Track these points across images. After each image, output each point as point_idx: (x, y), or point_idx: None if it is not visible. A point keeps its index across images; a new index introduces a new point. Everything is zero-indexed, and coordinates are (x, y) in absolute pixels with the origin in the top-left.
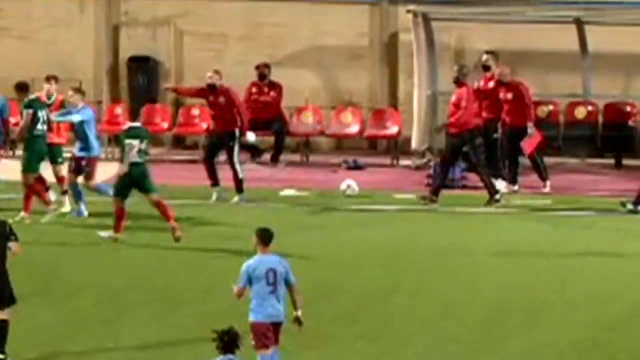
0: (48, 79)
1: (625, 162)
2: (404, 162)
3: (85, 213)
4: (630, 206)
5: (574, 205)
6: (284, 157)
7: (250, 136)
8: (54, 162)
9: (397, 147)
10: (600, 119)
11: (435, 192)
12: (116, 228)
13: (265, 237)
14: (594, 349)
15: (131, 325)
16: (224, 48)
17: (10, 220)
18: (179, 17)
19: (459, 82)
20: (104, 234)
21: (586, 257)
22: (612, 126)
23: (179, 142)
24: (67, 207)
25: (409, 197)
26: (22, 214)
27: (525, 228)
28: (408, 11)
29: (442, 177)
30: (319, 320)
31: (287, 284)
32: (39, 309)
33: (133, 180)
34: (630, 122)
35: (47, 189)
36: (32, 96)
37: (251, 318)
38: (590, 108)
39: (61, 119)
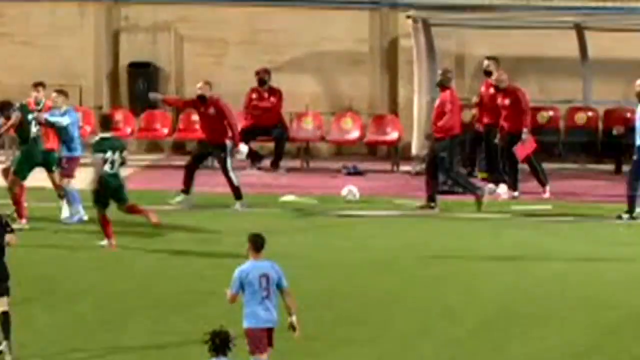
0: (36, 85)
1: (625, 168)
2: (404, 167)
3: (85, 217)
4: (626, 216)
5: (574, 211)
6: (284, 162)
7: (243, 148)
8: (49, 169)
9: (397, 152)
10: (600, 125)
11: (431, 198)
12: (107, 236)
13: (257, 242)
14: (595, 352)
15: (132, 330)
16: (224, 53)
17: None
18: (179, 23)
19: (443, 86)
20: (103, 242)
21: (586, 262)
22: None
23: (179, 148)
24: (65, 212)
25: (409, 202)
26: (21, 222)
27: (525, 233)
28: (408, 17)
29: (434, 183)
30: (320, 325)
31: (280, 289)
32: (39, 314)
33: (110, 190)
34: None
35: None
36: (22, 102)
37: (245, 324)
38: (590, 114)
39: (52, 119)
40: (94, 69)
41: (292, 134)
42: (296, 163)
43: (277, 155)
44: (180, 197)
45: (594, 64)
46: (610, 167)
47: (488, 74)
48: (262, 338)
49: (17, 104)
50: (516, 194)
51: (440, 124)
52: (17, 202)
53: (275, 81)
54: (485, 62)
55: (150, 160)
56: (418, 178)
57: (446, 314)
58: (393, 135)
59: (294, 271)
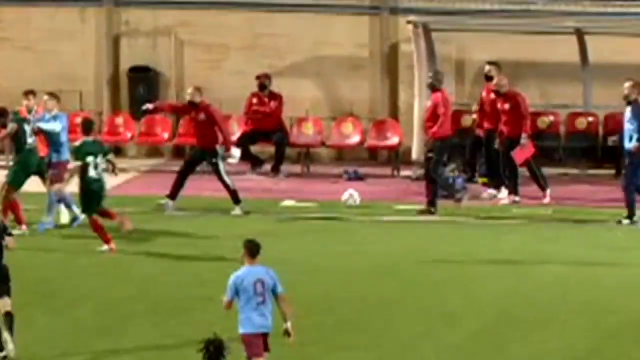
0: (26, 94)
1: None
2: (405, 172)
3: (82, 217)
4: (626, 221)
5: (574, 216)
6: (284, 167)
7: (235, 152)
8: (43, 176)
9: (398, 157)
10: (601, 130)
11: (431, 203)
12: (106, 241)
13: (252, 249)
14: (595, 356)
15: (131, 334)
16: (225, 58)
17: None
18: (180, 27)
19: (434, 87)
20: (103, 248)
21: (586, 266)
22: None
23: (179, 153)
24: (65, 218)
25: (410, 207)
26: (21, 228)
27: (525, 238)
28: (408, 22)
29: (433, 187)
30: (319, 330)
31: (275, 295)
32: (40, 318)
33: (96, 195)
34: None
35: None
36: (15, 110)
37: (240, 330)
38: (590, 119)
39: (46, 127)
40: (94, 73)
41: (292, 139)
42: (296, 168)
43: (278, 160)
44: (164, 200)
45: (594, 69)
46: (610, 172)
47: (489, 78)
48: (258, 343)
49: (12, 114)
50: (517, 198)
51: (434, 129)
52: (15, 210)
53: (275, 86)
54: (487, 67)
55: (151, 165)
56: (418, 183)
57: (446, 318)
58: (393, 140)
59: (294, 276)
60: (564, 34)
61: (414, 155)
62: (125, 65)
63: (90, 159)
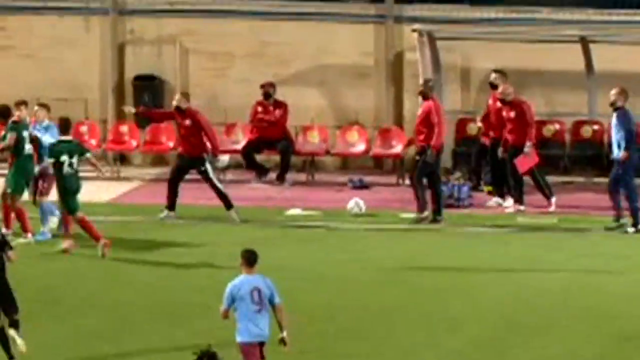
0: (18, 104)
1: None
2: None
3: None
4: (630, 229)
5: (579, 224)
6: (289, 176)
7: (223, 157)
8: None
9: (403, 166)
10: (606, 138)
11: (437, 211)
12: (96, 238)
13: (249, 258)
14: None
15: (134, 342)
16: (230, 66)
17: (3, 230)
18: (185, 36)
19: (425, 95)
20: (99, 247)
21: (591, 274)
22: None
23: None
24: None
25: (415, 216)
26: (27, 236)
27: (529, 246)
28: (413, 30)
29: (437, 195)
30: (321, 338)
31: (272, 304)
32: (43, 325)
33: (74, 192)
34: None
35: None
36: (13, 119)
37: (238, 339)
38: (595, 127)
39: (39, 135)
40: (99, 82)
41: (297, 147)
42: (302, 176)
43: (283, 169)
44: (164, 213)
45: (599, 77)
46: None
47: (494, 86)
48: (255, 352)
49: (9, 124)
50: (522, 207)
51: (434, 141)
52: (20, 218)
53: (280, 94)
54: (492, 75)
55: (156, 174)
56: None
57: (448, 325)
58: (399, 148)
59: (296, 284)
60: (568, 42)
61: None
62: (130, 73)
63: (64, 158)
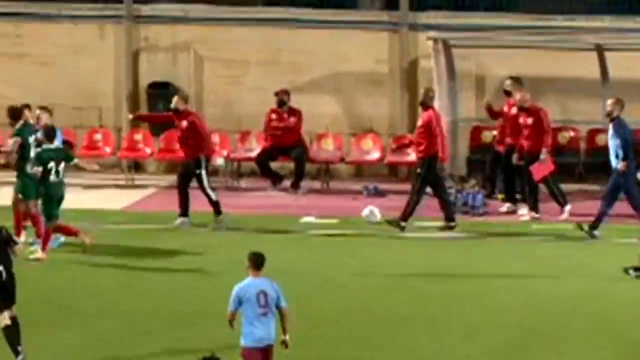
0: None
1: None
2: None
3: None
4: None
5: (602, 232)
6: (304, 183)
7: (219, 160)
8: None
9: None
10: None
11: (449, 218)
12: (74, 234)
13: (256, 261)
14: None
15: (150, 350)
16: (244, 74)
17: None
18: (199, 43)
19: (425, 105)
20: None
21: (607, 281)
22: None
23: None
24: None
25: (430, 224)
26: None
27: (544, 254)
28: (428, 38)
29: (445, 203)
30: (330, 344)
31: (278, 308)
32: (59, 333)
33: (56, 200)
34: None
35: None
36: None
37: (241, 342)
38: None
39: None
40: (113, 89)
41: (312, 155)
42: (316, 184)
43: (298, 176)
44: (178, 221)
45: (614, 85)
46: None
47: (507, 93)
48: (255, 357)
49: (16, 129)
50: (537, 215)
51: (442, 154)
52: (35, 223)
53: (295, 102)
54: (506, 82)
55: (170, 181)
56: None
57: (467, 333)
58: (414, 156)
59: (308, 290)
60: (584, 50)
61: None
62: (144, 81)
63: (51, 164)
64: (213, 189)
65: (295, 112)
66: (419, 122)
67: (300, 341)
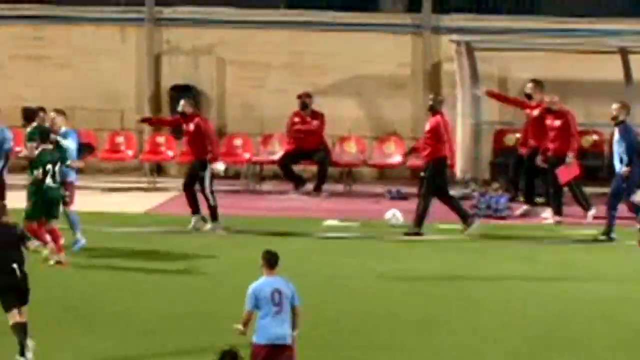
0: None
1: None
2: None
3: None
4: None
5: (617, 235)
6: (326, 186)
7: (220, 165)
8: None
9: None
10: None
11: (464, 218)
12: (44, 240)
13: (270, 259)
14: None
15: (171, 353)
16: (266, 77)
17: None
18: (221, 46)
19: (434, 110)
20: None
21: (629, 284)
22: None
23: None
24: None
25: (452, 227)
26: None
27: (567, 258)
28: (451, 41)
29: (454, 205)
30: (366, 349)
31: (292, 307)
32: (75, 338)
33: (47, 203)
34: None
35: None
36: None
37: (253, 338)
38: None
39: (63, 141)
40: (135, 92)
41: (334, 158)
42: (339, 187)
43: (320, 179)
44: (193, 221)
45: (638, 88)
46: None
47: (528, 96)
48: (263, 356)
49: (30, 132)
50: (561, 218)
51: (450, 151)
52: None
53: (317, 105)
54: (528, 85)
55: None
56: (463, 202)
57: (489, 338)
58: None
59: (332, 295)
60: (607, 53)
61: (458, 174)
62: (166, 83)
63: (49, 167)
64: (213, 194)
65: (318, 115)
66: (427, 127)
67: (313, 341)
